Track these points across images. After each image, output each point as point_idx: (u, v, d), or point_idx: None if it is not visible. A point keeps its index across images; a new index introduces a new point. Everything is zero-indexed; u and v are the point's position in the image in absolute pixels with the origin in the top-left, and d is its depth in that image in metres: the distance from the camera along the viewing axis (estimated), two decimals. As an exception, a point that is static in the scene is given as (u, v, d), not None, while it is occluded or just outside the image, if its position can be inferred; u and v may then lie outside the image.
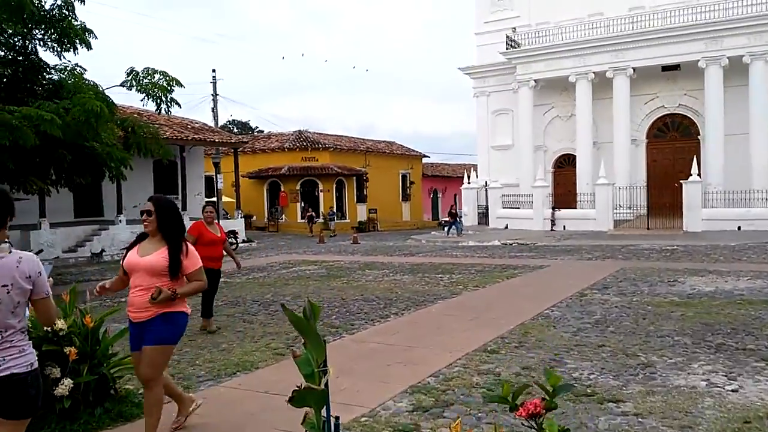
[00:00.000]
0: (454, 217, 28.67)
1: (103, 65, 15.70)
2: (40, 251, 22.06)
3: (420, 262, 16.21)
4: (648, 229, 24.80)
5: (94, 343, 4.78)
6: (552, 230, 26.26)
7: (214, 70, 35.06)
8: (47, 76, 13.29)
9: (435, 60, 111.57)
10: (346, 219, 41.05)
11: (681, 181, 24.78)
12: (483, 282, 11.56)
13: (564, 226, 26.07)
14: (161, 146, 14.01)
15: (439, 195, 54.86)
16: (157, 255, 3.97)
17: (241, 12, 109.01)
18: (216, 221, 8.20)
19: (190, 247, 4.13)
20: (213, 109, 34.79)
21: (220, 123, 50.84)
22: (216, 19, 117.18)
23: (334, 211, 39.01)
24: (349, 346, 6.77)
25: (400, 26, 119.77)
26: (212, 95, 34.80)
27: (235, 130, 64.78)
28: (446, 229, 28.55)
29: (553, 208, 27.62)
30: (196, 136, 26.80)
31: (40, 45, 13.03)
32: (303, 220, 39.00)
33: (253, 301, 10.27)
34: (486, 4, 35.22)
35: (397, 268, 14.79)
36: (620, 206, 27.48)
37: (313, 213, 36.51)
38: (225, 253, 8.06)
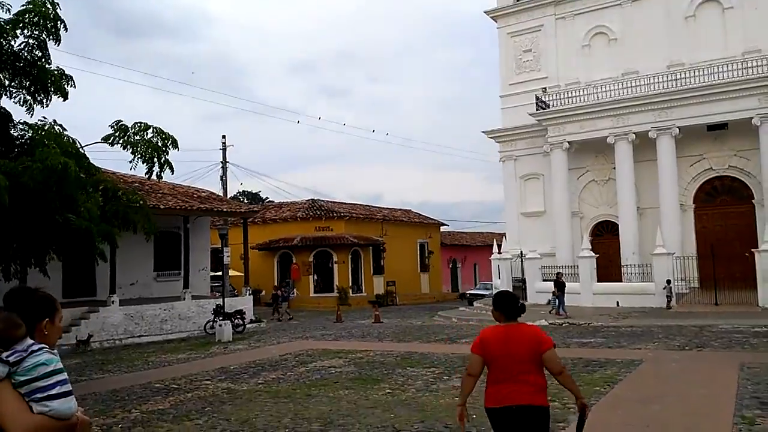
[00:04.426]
0: (562, 288, 21.74)
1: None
2: (90, 337, 19.09)
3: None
4: (716, 304, 21.60)
5: None
6: (669, 308, 21.71)
7: (224, 136, 33.09)
8: (14, 133, 10.82)
9: (442, 129, 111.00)
10: (362, 293, 38.02)
11: (753, 250, 21.74)
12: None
13: (618, 302, 22.88)
14: (148, 219, 11.30)
15: (459, 265, 51.84)
16: None
17: (250, 89, 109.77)
18: (510, 320, 4.10)
19: None
20: (222, 177, 32.53)
21: (230, 195, 48.77)
22: (227, 97, 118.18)
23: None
24: None
25: (405, 97, 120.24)
26: (221, 162, 32.61)
27: (245, 202, 62.77)
28: (555, 305, 21.72)
29: (668, 281, 22.32)
30: (202, 206, 24.30)
31: (6, 95, 10.62)
32: (316, 295, 36.07)
33: None
34: (511, 65, 33.39)
35: (446, 365, 11.71)
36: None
37: (281, 291, 30.37)
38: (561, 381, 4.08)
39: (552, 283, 22.36)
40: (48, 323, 2.55)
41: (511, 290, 28.06)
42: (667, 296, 21.93)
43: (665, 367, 10.62)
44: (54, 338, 2.60)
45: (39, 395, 2.41)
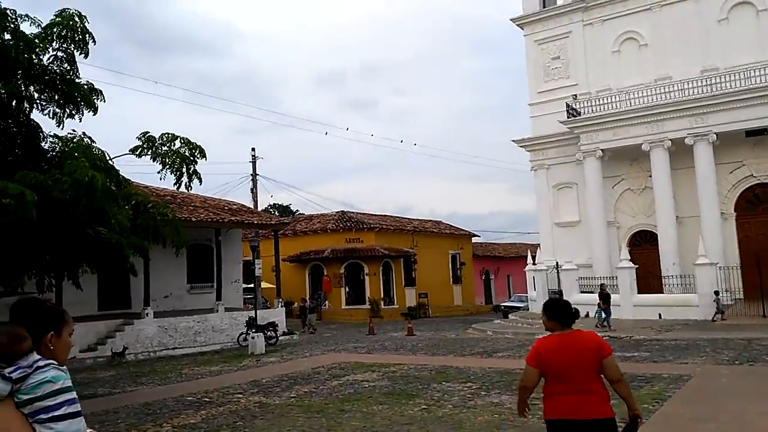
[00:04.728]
0: (608, 300, 20.86)
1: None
2: (125, 349, 19.25)
3: (509, 368, 12.70)
4: (764, 316, 20.73)
5: None
6: (715, 320, 20.81)
7: (253, 149, 33.32)
8: (45, 146, 10.91)
9: (469, 139, 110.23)
10: (394, 305, 37.69)
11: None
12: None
13: (660, 315, 22.12)
14: (177, 232, 11.25)
15: (491, 276, 51.09)
16: None
17: (278, 103, 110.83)
18: (565, 328, 3.91)
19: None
20: (252, 189, 32.67)
21: (260, 208, 49.03)
22: (256, 111, 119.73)
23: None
24: None
25: (432, 108, 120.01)
26: (251, 175, 32.79)
27: (276, 214, 63.10)
28: (601, 318, 20.84)
29: (716, 292, 21.59)
30: (233, 218, 24.38)
31: (36, 108, 10.73)
32: (348, 307, 35.86)
33: (300, 447, 7.04)
34: (540, 73, 32.95)
35: (483, 380, 11.35)
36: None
37: (309, 303, 30.26)
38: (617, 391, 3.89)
39: (597, 295, 21.40)
40: (54, 336, 2.36)
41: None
42: (717, 308, 21.06)
43: (716, 383, 10.09)
44: (62, 354, 2.41)
45: (43, 416, 2.21)
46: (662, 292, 24.98)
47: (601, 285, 22.20)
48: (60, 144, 10.98)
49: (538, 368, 3.81)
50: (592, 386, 3.71)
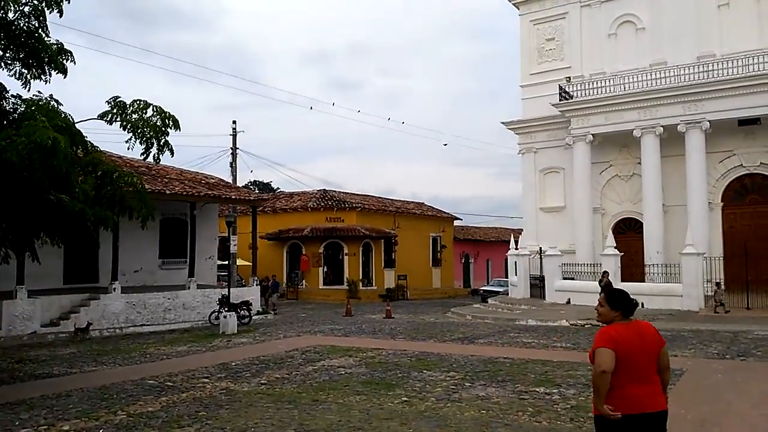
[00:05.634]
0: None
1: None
2: (89, 325, 18.24)
3: (492, 357, 12.09)
4: (747, 308, 20.45)
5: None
6: (717, 313, 20.24)
7: (234, 122, 32.07)
8: (6, 107, 9.97)
9: (454, 123, 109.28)
10: (372, 286, 37.11)
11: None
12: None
13: (642, 304, 21.73)
14: (144, 204, 10.37)
15: (471, 260, 50.75)
16: None
17: (263, 80, 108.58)
18: (626, 318, 3.85)
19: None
20: (231, 163, 31.51)
21: (240, 185, 47.77)
22: (240, 87, 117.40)
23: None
24: None
25: (418, 91, 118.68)
26: (231, 148, 31.64)
27: (256, 191, 61.90)
28: None
29: (717, 284, 21.37)
30: (210, 192, 23.40)
31: (0, 67, 9.80)
32: (325, 287, 35.15)
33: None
34: (533, 54, 32.14)
35: (467, 369, 10.72)
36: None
37: (271, 282, 29.70)
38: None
39: (598, 283, 20.57)
40: None
41: (530, 284, 27.08)
42: (720, 301, 20.66)
43: (711, 379, 9.56)
44: None
45: None
46: (644, 281, 24.64)
47: (604, 273, 21.60)
48: (23, 105, 10.08)
49: (614, 351, 3.59)
50: (655, 377, 3.74)
